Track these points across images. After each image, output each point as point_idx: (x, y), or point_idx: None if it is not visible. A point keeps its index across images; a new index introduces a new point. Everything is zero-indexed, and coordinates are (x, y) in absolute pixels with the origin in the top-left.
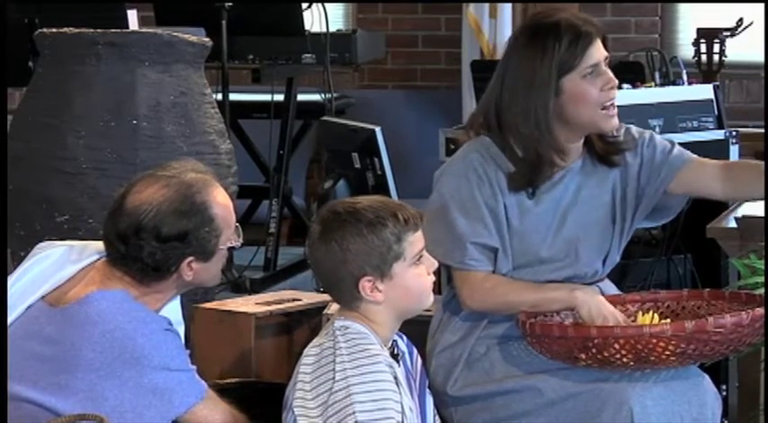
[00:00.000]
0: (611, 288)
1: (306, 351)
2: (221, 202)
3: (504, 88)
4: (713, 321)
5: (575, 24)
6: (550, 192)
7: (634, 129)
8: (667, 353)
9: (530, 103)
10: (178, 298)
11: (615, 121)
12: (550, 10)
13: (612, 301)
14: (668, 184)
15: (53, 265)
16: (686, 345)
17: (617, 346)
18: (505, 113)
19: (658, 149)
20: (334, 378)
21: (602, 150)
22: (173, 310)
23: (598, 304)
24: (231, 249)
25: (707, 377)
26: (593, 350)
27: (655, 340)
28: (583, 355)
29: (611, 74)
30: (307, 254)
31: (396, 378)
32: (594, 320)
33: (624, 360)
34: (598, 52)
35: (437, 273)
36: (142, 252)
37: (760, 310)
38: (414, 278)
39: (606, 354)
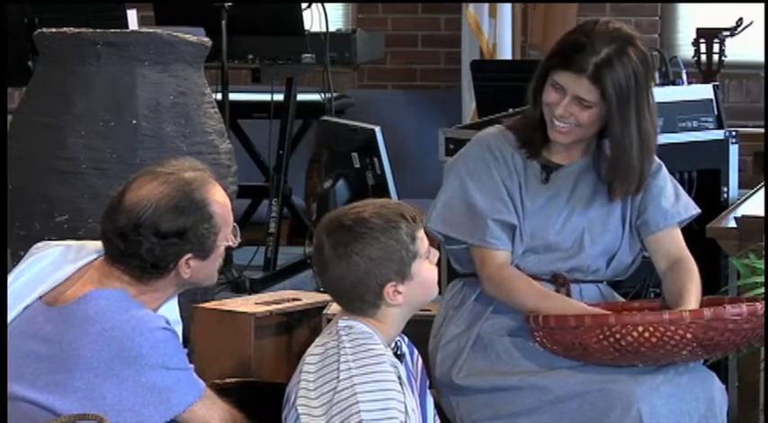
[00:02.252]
0: (611, 292)
1: (309, 350)
2: (219, 199)
3: None
4: (730, 309)
5: (582, 45)
6: (564, 179)
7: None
8: (684, 341)
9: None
10: (176, 297)
11: (556, 135)
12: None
13: (611, 308)
14: (651, 234)
15: (50, 265)
16: (704, 333)
17: (635, 333)
18: None
19: (665, 192)
20: (338, 377)
21: (608, 177)
22: (170, 310)
23: None
24: (229, 249)
25: (713, 373)
26: (611, 339)
27: (674, 327)
28: (597, 347)
29: (564, 102)
30: (322, 275)
31: (399, 378)
32: None
33: (642, 349)
34: (568, 82)
35: (438, 272)
36: (141, 248)
37: None
38: (428, 272)
39: (624, 343)
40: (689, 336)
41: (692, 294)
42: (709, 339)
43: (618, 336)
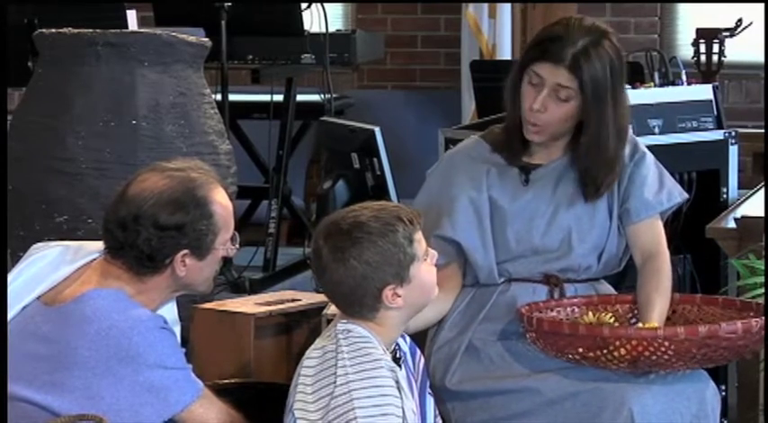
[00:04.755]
0: (608, 289)
1: (307, 353)
2: (221, 201)
3: None
4: (725, 327)
5: (557, 37)
6: (544, 179)
7: (631, 145)
8: (677, 356)
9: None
10: (174, 299)
11: (532, 136)
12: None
13: (604, 301)
14: (632, 223)
15: (49, 265)
16: (697, 349)
17: (629, 346)
18: None
19: (648, 181)
20: (335, 382)
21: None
22: (169, 310)
23: None
24: (226, 258)
25: (705, 373)
26: (604, 350)
27: (668, 343)
28: (591, 355)
29: (541, 96)
30: (320, 280)
31: (397, 382)
32: None
33: (635, 361)
34: (546, 72)
35: None
36: (138, 238)
37: None
38: (426, 274)
39: (617, 354)
40: (682, 352)
41: (656, 310)
42: (702, 355)
43: (611, 347)
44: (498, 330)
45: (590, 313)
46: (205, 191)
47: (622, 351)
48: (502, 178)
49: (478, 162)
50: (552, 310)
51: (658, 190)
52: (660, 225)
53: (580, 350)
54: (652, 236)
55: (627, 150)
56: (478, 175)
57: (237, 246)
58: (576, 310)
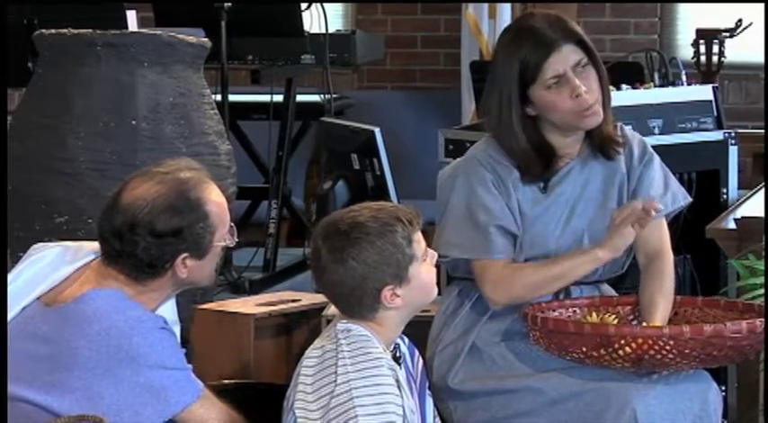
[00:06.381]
0: (610, 291)
1: (307, 353)
2: (215, 199)
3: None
4: (730, 326)
5: (536, 31)
6: (561, 184)
7: (638, 141)
8: (682, 355)
9: (492, 101)
10: (174, 298)
11: (592, 119)
12: (534, 11)
13: (606, 303)
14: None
15: (48, 266)
16: (702, 349)
17: (634, 345)
18: (482, 109)
19: (654, 183)
20: (335, 381)
21: (598, 142)
22: (168, 310)
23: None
24: (226, 249)
25: (707, 373)
26: (609, 349)
27: (672, 342)
28: (595, 354)
29: (576, 82)
30: (319, 280)
31: (398, 381)
32: None
33: (639, 360)
34: (560, 62)
35: (437, 274)
36: (137, 248)
37: None
38: (426, 274)
39: (621, 353)
40: (687, 351)
41: (659, 311)
42: (707, 354)
43: (616, 346)
44: (502, 330)
45: (593, 314)
46: (198, 191)
47: (627, 349)
48: (523, 185)
49: (500, 165)
50: (555, 311)
51: (663, 192)
52: (665, 226)
53: (584, 349)
54: (656, 237)
55: (636, 152)
56: (504, 179)
57: (235, 236)
58: (579, 311)
